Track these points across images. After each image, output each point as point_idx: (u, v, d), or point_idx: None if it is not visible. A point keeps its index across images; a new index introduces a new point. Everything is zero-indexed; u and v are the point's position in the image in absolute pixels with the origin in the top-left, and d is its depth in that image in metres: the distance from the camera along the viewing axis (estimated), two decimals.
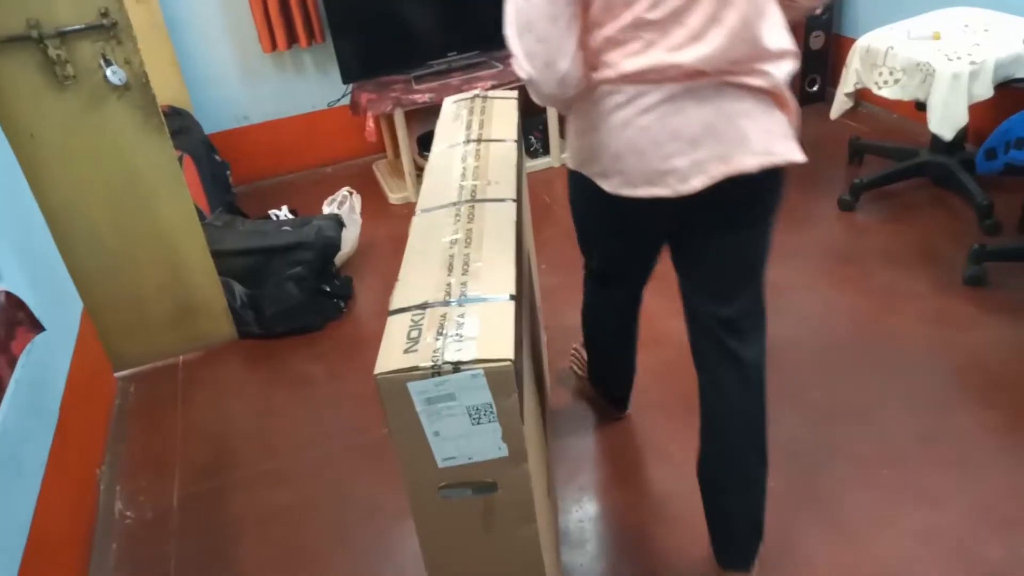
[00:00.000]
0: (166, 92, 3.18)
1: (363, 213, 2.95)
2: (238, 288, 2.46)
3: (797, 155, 1.23)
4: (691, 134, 1.18)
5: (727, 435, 1.44)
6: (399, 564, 1.66)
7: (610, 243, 1.52)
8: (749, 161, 1.20)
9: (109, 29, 2.00)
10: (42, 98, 2.02)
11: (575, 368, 2.12)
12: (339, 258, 2.71)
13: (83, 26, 1.98)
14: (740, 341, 1.38)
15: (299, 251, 2.46)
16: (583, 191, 1.35)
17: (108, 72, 2.02)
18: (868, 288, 2.34)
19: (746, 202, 1.28)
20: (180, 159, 2.69)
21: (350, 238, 2.81)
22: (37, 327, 1.60)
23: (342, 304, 2.60)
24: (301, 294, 2.44)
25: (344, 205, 2.88)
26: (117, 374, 2.41)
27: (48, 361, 1.90)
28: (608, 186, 1.27)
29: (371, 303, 2.65)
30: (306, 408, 2.21)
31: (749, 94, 1.19)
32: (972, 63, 2.32)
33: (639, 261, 1.55)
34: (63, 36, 1.97)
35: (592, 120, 1.25)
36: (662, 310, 2.38)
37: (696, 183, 1.20)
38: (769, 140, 1.21)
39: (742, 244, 1.33)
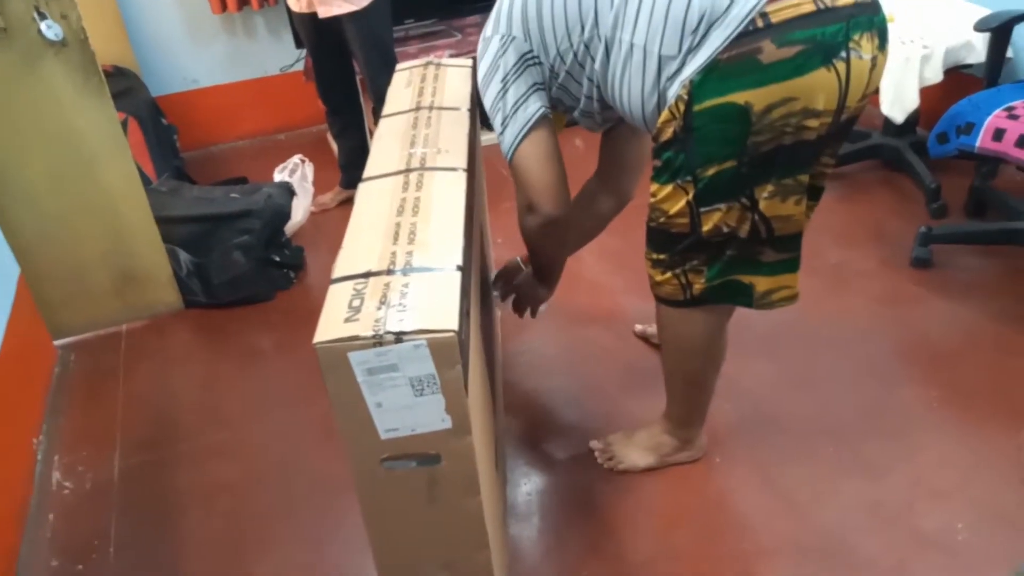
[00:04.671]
0: (110, 51, 3.05)
1: (316, 182, 2.88)
2: (184, 256, 2.39)
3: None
4: None
5: None
6: (345, 536, 1.65)
7: None
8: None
9: None
10: None
11: None
12: (290, 227, 2.65)
13: None
14: None
15: (247, 219, 2.39)
16: None
17: (43, 26, 1.93)
18: (818, 266, 2.37)
19: None
20: (124, 122, 2.60)
21: (302, 207, 2.75)
22: None
23: (292, 274, 2.55)
24: (248, 263, 2.38)
25: (296, 173, 2.81)
26: (57, 342, 2.33)
27: None
28: None
29: (322, 274, 2.60)
30: (253, 380, 2.16)
31: None
32: (924, 47, 2.34)
33: None
34: None
35: None
36: (616, 286, 2.39)
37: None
38: None
39: None
